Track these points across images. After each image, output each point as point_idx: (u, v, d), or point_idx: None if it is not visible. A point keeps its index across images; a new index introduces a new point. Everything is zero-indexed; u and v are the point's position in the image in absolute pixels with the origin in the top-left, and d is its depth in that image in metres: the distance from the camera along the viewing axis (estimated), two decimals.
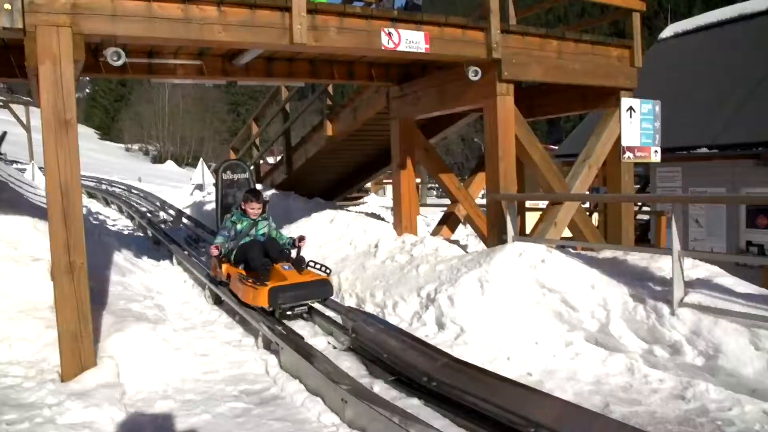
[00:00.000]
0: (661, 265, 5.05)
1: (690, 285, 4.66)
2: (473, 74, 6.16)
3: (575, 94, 7.50)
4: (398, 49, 5.72)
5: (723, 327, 4.20)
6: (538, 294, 5.24)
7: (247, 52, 6.45)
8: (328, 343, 5.38)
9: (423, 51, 5.82)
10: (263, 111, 13.37)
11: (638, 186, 17.68)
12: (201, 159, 20.30)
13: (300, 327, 5.76)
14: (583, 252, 6.05)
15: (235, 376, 4.85)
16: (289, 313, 5.92)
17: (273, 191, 11.99)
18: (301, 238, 6.51)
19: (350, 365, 4.83)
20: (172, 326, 5.73)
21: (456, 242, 7.22)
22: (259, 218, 6.64)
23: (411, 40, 5.77)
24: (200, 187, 18.00)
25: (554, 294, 5.17)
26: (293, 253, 6.51)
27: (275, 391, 4.52)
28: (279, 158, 14.34)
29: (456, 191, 8.11)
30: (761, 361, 3.95)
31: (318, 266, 6.21)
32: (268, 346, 5.32)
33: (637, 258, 5.31)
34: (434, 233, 8.32)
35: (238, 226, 6.55)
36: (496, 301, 5.20)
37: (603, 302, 4.91)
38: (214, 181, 18.01)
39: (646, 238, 14.94)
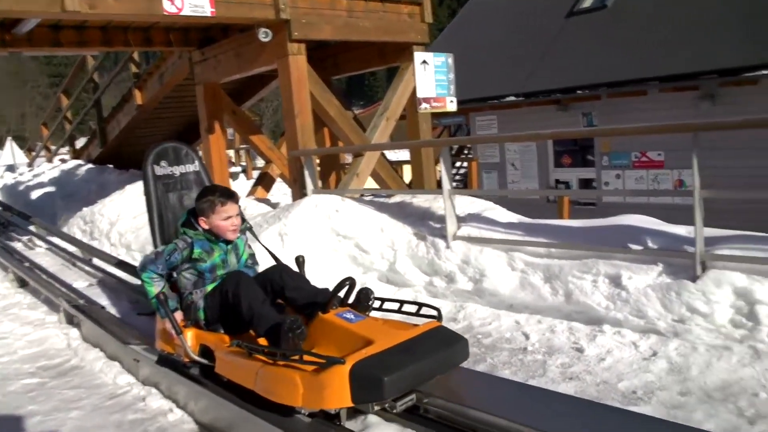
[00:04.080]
0: (442, 204, 5.51)
1: (463, 220, 5.16)
2: (264, 36, 6.28)
3: (374, 51, 7.83)
4: (182, 13, 5.71)
5: (487, 254, 4.73)
6: (334, 241, 5.56)
7: (25, 20, 6.13)
8: (132, 309, 5.40)
9: (209, 15, 5.84)
10: (71, 82, 12.68)
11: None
12: (9, 138, 18.71)
13: (104, 298, 5.70)
14: (375, 199, 6.44)
15: (35, 353, 4.76)
16: (376, 407, 2.85)
17: (89, 166, 11.50)
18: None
19: (151, 328, 4.90)
20: None
21: (267, 201, 7.41)
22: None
23: (195, 4, 5.76)
24: (11, 168, 16.72)
25: (348, 240, 5.51)
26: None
27: (75, 362, 4.52)
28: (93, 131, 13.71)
29: (268, 152, 8.27)
30: (515, 279, 4.50)
31: (399, 304, 3.31)
32: (71, 320, 5.26)
33: (422, 200, 5.76)
34: (249, 194, 8.45)
35: (205, 264, 3.42)
36: (295, 251, 5.43)
37: (391, 243, 5.31)
38: (27, 160, 16.77)
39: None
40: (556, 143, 12.76)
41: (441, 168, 4.97)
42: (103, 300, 5.51)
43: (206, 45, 7.68)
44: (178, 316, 3.38)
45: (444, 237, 5.01)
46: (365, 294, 3.19)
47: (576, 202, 11.95)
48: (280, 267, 3.48)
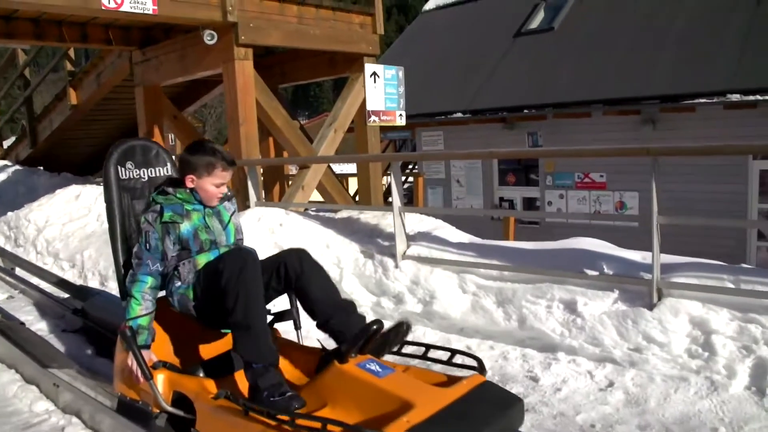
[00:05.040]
0: (391, 221, 5.33)
1: (413, 238, 4.98)
2: (209, 38, 6.01)
3: (323, 60, 7.63)
4: (121, 9, 5.37)
5: (437, 275, 4.55)
6: None
7: None
8: (57, 326, 5.02)
9: (150, 12, 5.53)
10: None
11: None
12: None
13: (26, 312, 5.29)
14: (321, 213, 6.21)
15: None
16: None
17: (17, 167, 10.85)
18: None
19: (77, 347, 4.56)
20: None
21: None
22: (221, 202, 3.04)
23: (136, 0, 5.44)
24: None
25: None
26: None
27: None
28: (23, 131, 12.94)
29: None
30: (467, 302, 4.34)
31: (425, 349, 2.94)
32: None
33: (370, 216, 5.57)
34: None
35: (184, 228, 2.85)
36: None
37: (337, 260, 5.08)
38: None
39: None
40: (501, 162, 12.83)
41: (391, 183, 4.79)
42: (23, 315, 5.10)
43: (148, 45, 7.32)
44: (146, 354, 2.74)
45: (393, 256, 4.81)
46: (406, 329, 2.61)
47: (519, 220, 12.02)
48: (298, 252, 2.82)
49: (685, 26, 11.11)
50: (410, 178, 16.14)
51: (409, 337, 2.78)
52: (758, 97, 9.01)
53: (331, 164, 7.81)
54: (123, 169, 3.23)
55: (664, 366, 3.42)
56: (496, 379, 3.62)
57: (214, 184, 2.88)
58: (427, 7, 18.58)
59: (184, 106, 9.58)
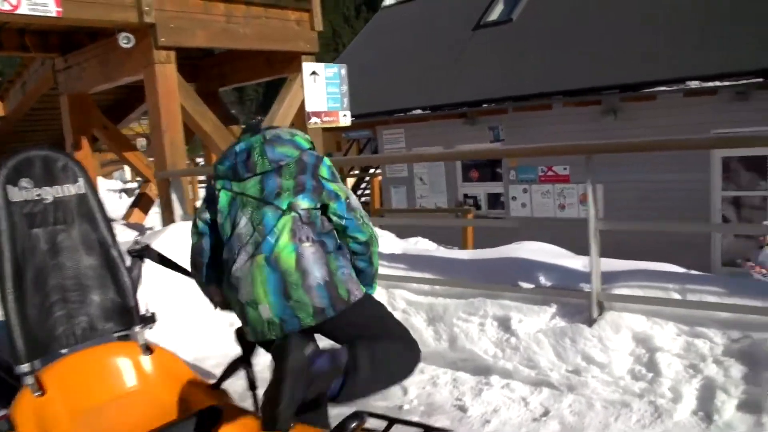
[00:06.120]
0: None
1: None
2: (125, 41, 5.56)
3: (261, 60, 7.21)
4: (18, 11, 4.90)
5: None
6: None
7: None
8: None
9: (54, 15, 5.06)
10: None
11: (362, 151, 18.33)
12: None
13: None
14: None
15: None
16: None
17: None
18: None
19: None
20: None
21: (140, 226, 6.63)
22: None
23: (36, 2, 4.98)
24: None
25: None
26: None
27: None
28: None
29: (146, 170, 7.47)
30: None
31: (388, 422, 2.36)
32: None
33: None
34: (126, 217, 7.62)
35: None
36: (155, 288, 4.75)
37: None
38: None
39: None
40: None
41: None
42: None
43: (71, 51, 6.85)
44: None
45: None
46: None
47: (485, 216, 11.75)
48: None
49: (644, 14, 10.83)
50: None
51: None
52: (717, 83, 8.75)
53: None
54: (15, 188, 2.48)
55: (605, 390, 3.07)
56: (421, 410, 3.26)
57: None
58: (387, 2, 18.18)
59: (125, 113, 9.10)
